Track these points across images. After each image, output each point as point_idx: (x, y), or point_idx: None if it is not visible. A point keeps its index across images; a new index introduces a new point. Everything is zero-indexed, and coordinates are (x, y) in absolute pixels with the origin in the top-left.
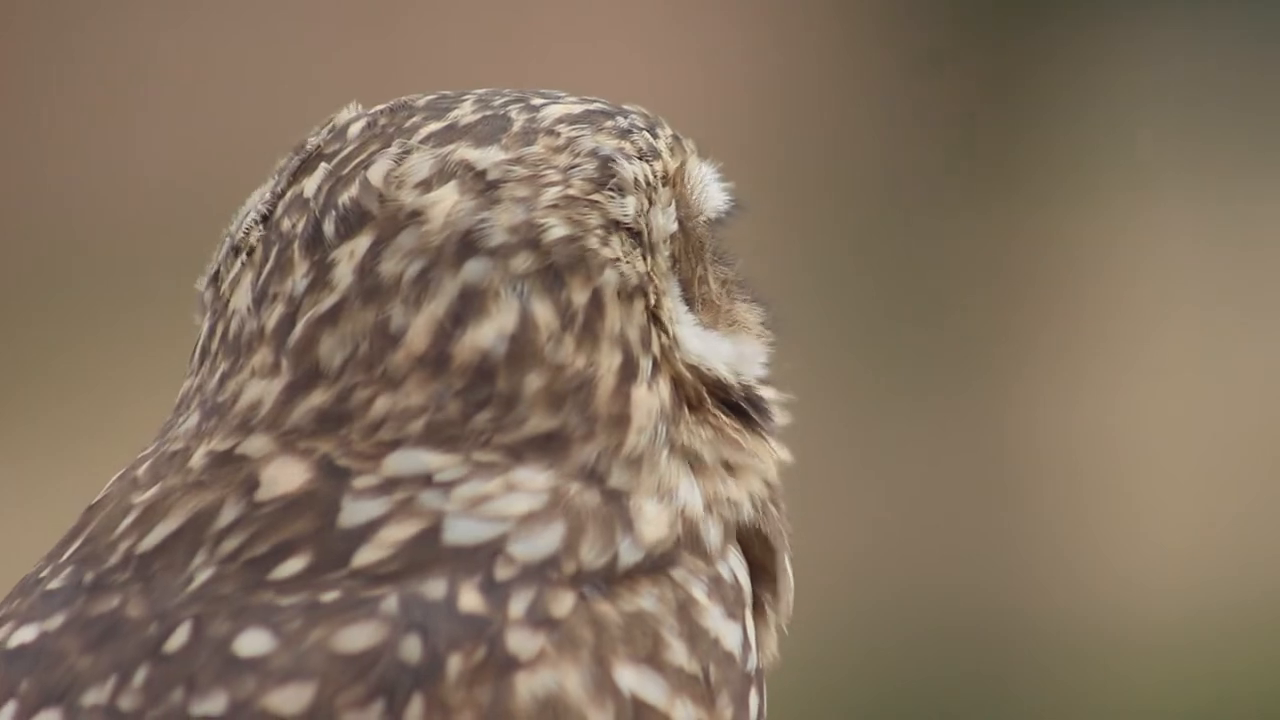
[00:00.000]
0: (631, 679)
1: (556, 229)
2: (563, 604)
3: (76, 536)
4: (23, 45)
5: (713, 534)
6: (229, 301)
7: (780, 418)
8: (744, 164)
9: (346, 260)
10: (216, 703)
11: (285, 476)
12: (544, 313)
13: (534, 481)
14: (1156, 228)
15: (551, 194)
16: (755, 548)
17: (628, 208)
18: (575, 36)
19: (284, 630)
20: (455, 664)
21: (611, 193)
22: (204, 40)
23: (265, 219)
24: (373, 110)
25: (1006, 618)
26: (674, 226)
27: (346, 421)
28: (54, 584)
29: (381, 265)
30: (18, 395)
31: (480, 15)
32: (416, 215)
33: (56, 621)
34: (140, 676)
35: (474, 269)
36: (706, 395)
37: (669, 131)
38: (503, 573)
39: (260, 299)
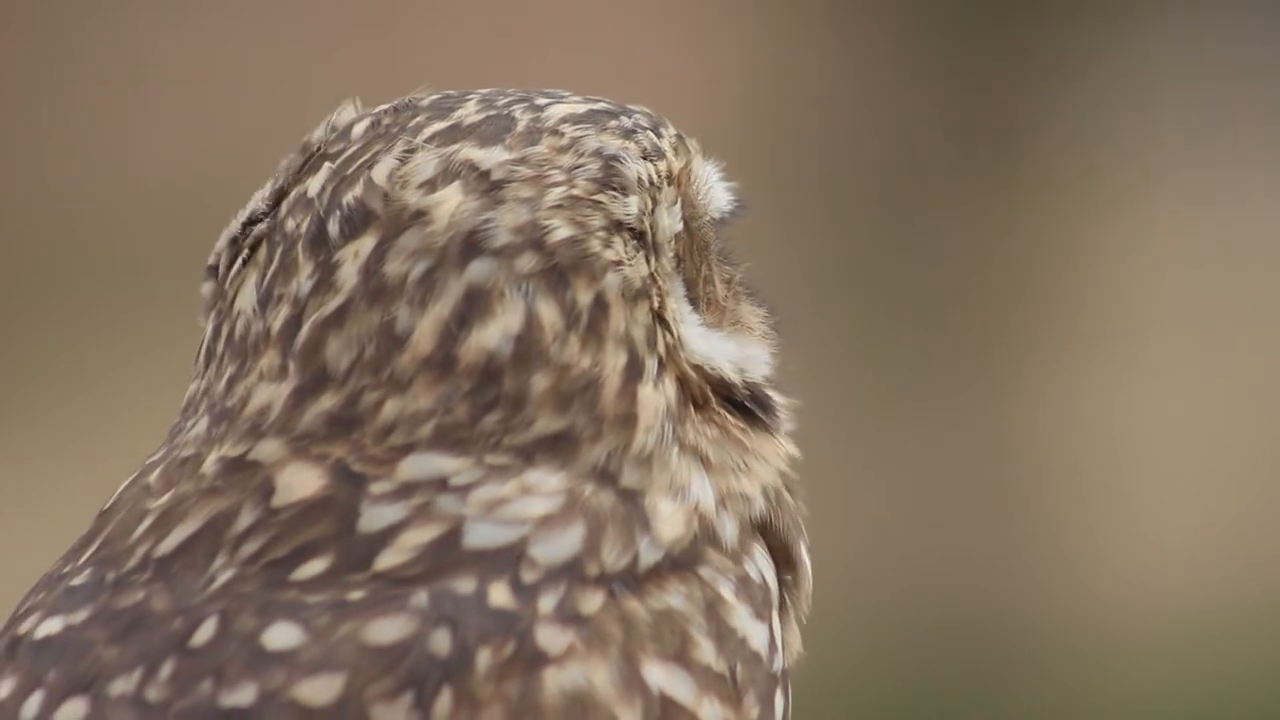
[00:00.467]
0: (660, 676)
1: (561, 230)
2: (592, 601)
3: (92, 541)
4: (23, 45)
5: (728, 530)
6: (234, 302)
7: (787, 416)
8: (743, 164)
9: (351, 261)
10: (245, 694)
11: (301, 482)
12: (549, 313)
13: (547, 484)
14: (1156, 229)
15: (556, 194)
16: (774, 541)
17: (631, 208)
18: (575, 36)
19: (313, 625)
20: (485, 658)
21: (615, 193)
22: (204, 40)
23: (265, 216)
24: (377, 110)
25: (1006, 617)
26: (679, 226)
27: (357, 426)
28: (76, 581)
29: (386, 266)
30: (18, 395)
31: (480, 15)
32: (421, 215)
33: (82, 614)
34: (167, 669)
35: (479, 269)
36: (711, 395)
37: (673, 131)
38: (528, 576)
39: (265, 300)
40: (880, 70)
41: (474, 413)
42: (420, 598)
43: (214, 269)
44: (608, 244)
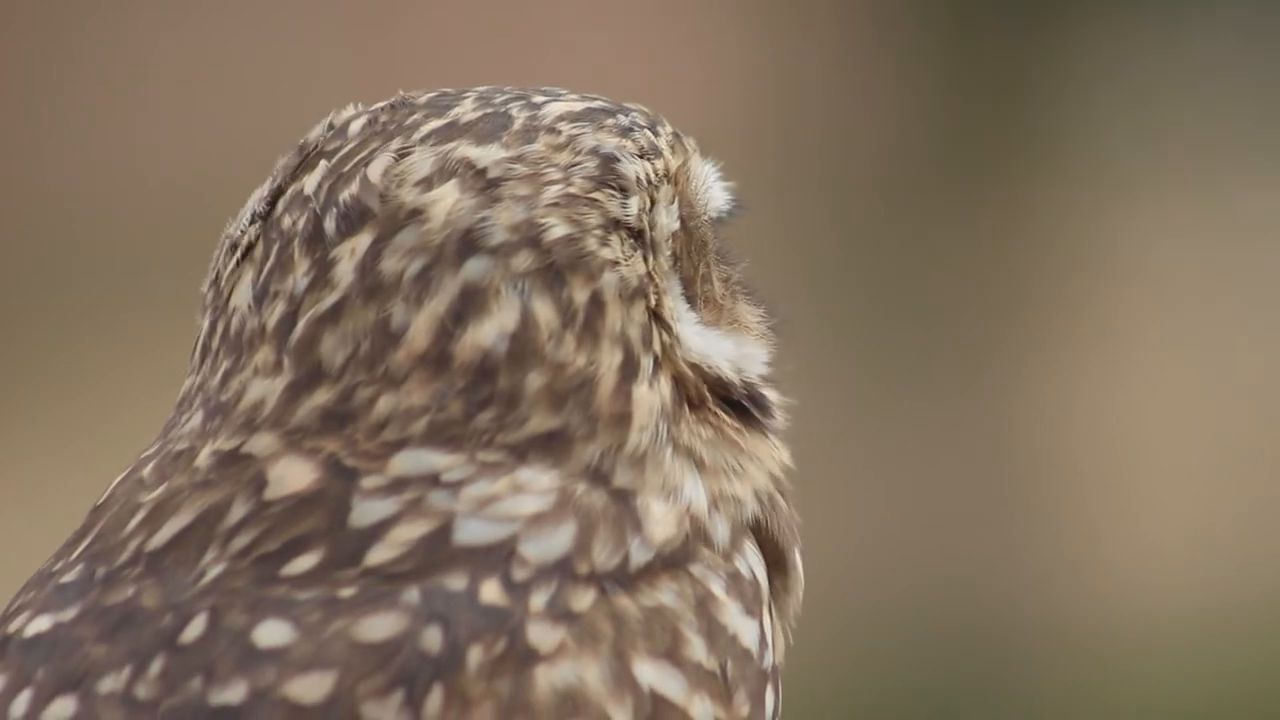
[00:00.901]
0: (651, 674)
1: (557, 228)
2: (583, 599)
3: (85, 536)
4: (23, 45)
5: (720, 531)
6: (229, 299)
7: (782, 416)
8: (742, 164)
9: (347, 258)
10: (236, 691)
11: (293, 475)
12: (545, 311)
13: (539, 482)
14: (1155, 229)
15: (552, 192)
16: (766, 544)
17: (629, 207)
18: (574, 36)
19: (304, 621)
20: (476, 655)
21: (613, 191)
22: (204, 40)
23: (263, 216)
24: (374, 107)
25: (1006, 617)
26: (676, 225)
27: (350, 421)
28: (67, 578)
29: (382, 263)
30: (18, 395)
31: (480, 15)
32: (417, 213)
33: (71, 611)
34: (157, 666)
35: (475, 267)
36: (708, 394)
37: (670, 129)
38: (519, 574)
39: (261, 296)
40: (879, 71)
41: (468, 410)
42: (411, 594)
43: (215, 276)
44: (604, 242)
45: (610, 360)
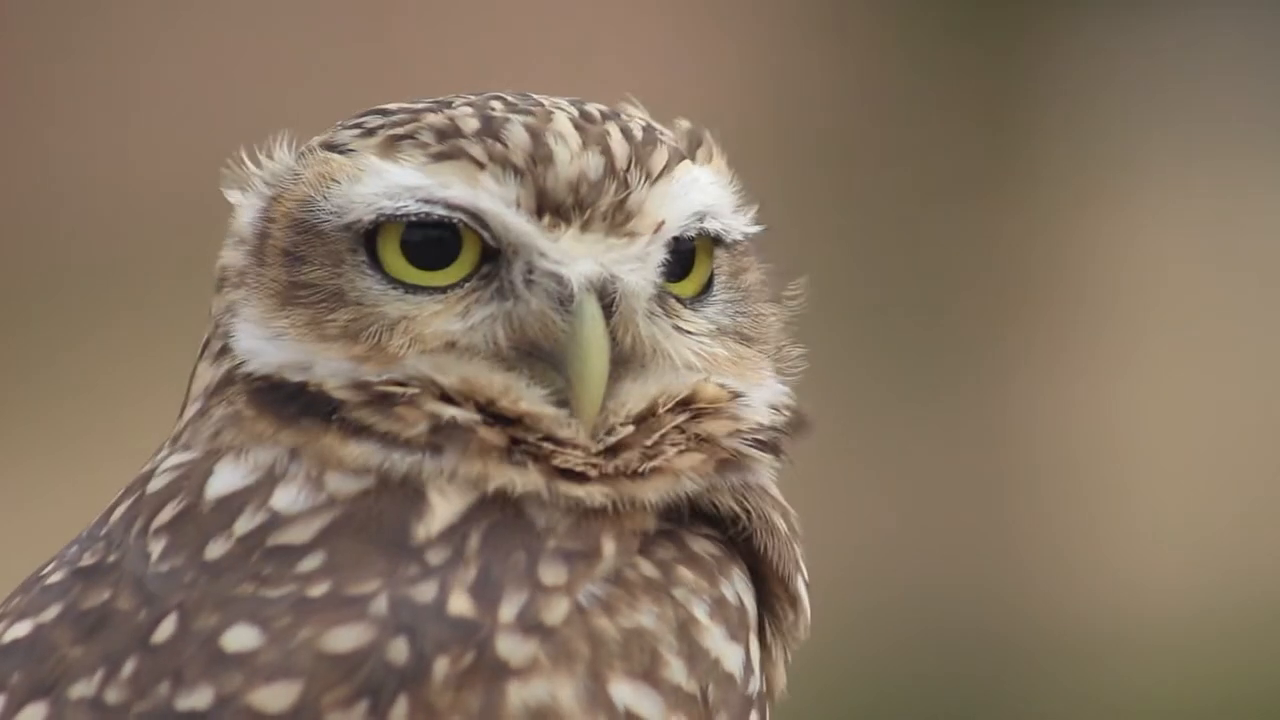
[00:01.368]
0: (627, 694)
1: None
2: (556, 611)
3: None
4: (23, 45)
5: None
6: None
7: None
8: (741, 166)
9: None
10: (202, 697)
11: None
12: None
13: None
14: (1155, 227)
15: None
16: (769, 571)
17: (239, 214)
18: (574, 35)
19: (272, 626)
20: (442, 666)
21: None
22: (204, 41)
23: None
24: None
25: (1006, 617)
26: (250, 231)
27: None
28: (54, 578)
29: None
30: (18, 396)
31: (477, 18)
32: None
33: (52, 612)
34: (129, 668)
35: None
36: (245, 384)
37: (339, 139)
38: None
39: None
40: (878, 72)
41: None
42: (380, 605)
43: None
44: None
45: (205, 334)
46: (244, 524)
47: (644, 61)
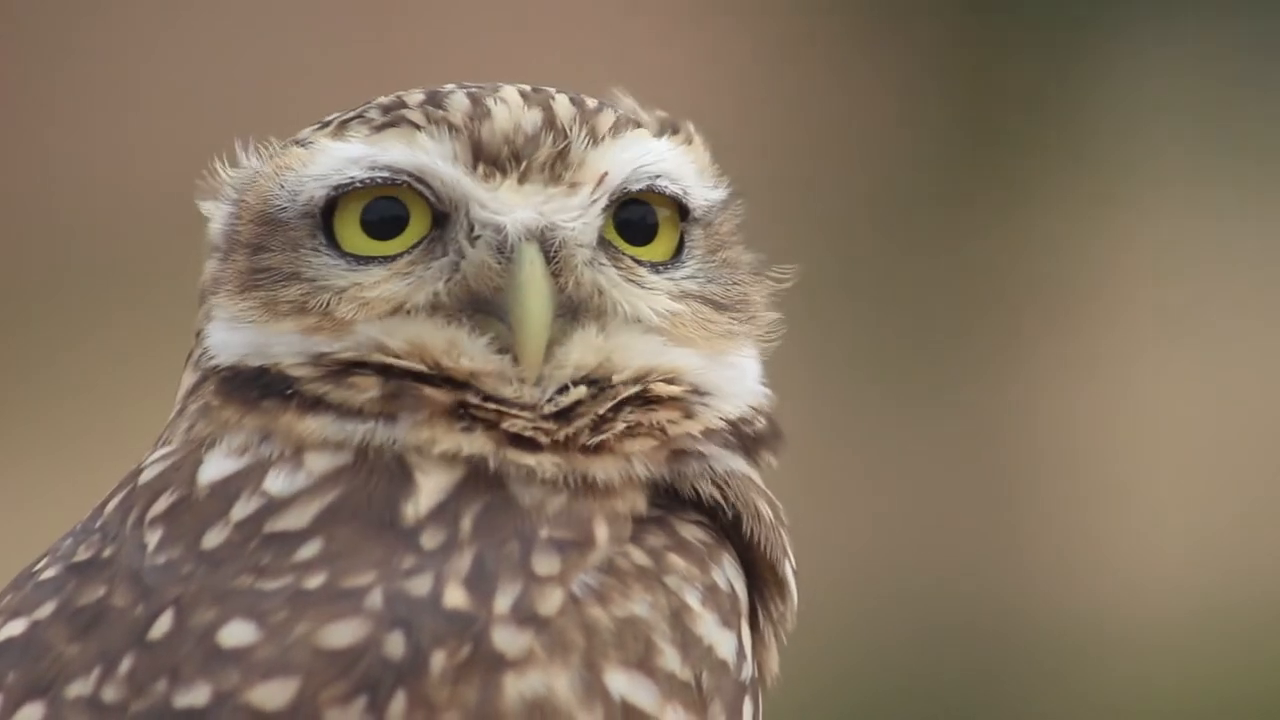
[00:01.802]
0: (622, 684)
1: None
2: (550, 602)
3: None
4: (23, 45)
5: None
6: None
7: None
8: (741, 168)
9: None
10: (200, 694)
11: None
12: None
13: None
14: (1156, 227)
15: None
16: (759, 561)
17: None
18: (574, 36)
19: (269, 621)
20: (439, 660)
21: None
22: (204, 41)
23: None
24: None
25: (1005, 616)
26: (220, 228)
27: None
28: (47, 574)
29: None
30: (18, 396)
31: (476, 17)
32: None
33: (47, 609)
34: (126, 665)
35: None
36: (215, 376)
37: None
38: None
39: None
40: (876, 73)
41: None
42: (375, 599)
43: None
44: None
45: (189, 349)
46: (241, 509)
47: (644, 64)
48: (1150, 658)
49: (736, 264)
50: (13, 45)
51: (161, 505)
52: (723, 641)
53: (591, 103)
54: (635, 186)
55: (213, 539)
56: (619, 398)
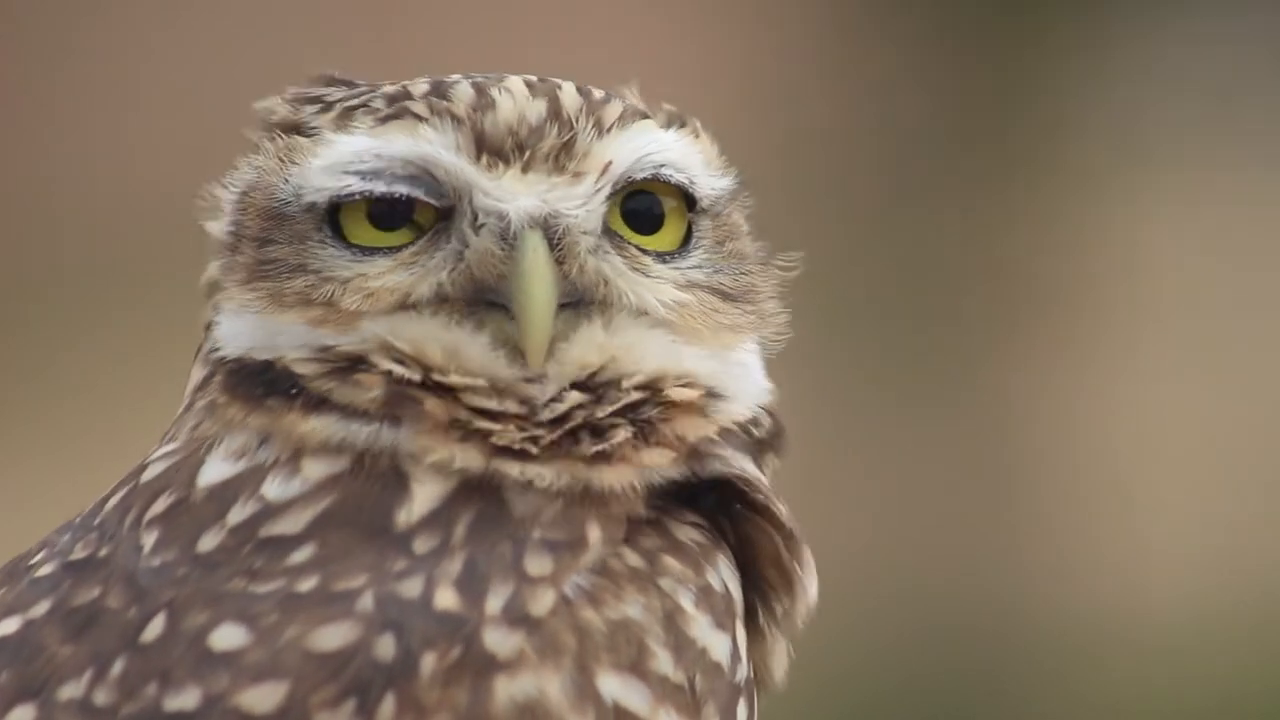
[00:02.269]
0: (614, 686)
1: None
2: (542, 603)
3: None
4: (23, 45)
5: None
6: None
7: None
8: (739, 162)
9: None
10: (190, 698)
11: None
12: None
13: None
14: (1157, 226)
15: None
16: (774, 561)
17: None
18: (575, 35)
19: (259, 625)
20: (429, 662)
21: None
22: (204, 41)
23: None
24: None
25: (1005, 615)
26: (225, 227)
27: None
28: (43, 570)
29: None
30: (18, 396)
31: (481, 15)
32: None
33: (42, 608)
34: (118, 667)
35: None
36: (222, 372)
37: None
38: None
39: None
40: (881, 66)
41: None
42: (366, 602)
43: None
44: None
45: (198, 342)
46: (237, 514)
47: (647, 62)
48: (1150, 658)
49: (744, 255)
50: (13, 45)
51: (159, 506)
52: (717, 644)
53: (599, 94)
54: (640, 175)
55: (208, 542)
56: (620, 404)
